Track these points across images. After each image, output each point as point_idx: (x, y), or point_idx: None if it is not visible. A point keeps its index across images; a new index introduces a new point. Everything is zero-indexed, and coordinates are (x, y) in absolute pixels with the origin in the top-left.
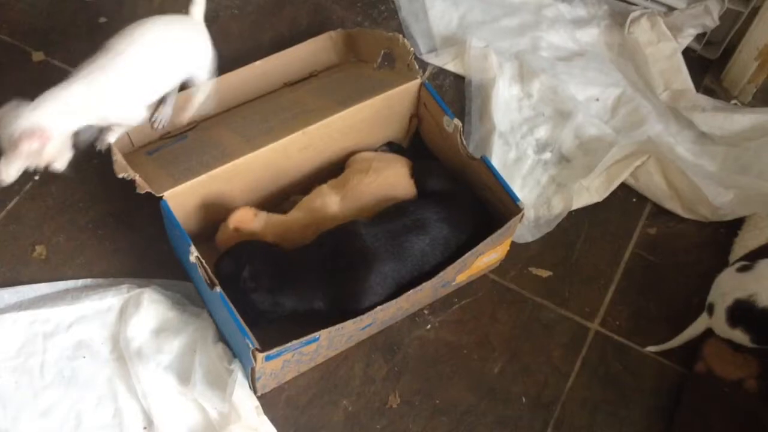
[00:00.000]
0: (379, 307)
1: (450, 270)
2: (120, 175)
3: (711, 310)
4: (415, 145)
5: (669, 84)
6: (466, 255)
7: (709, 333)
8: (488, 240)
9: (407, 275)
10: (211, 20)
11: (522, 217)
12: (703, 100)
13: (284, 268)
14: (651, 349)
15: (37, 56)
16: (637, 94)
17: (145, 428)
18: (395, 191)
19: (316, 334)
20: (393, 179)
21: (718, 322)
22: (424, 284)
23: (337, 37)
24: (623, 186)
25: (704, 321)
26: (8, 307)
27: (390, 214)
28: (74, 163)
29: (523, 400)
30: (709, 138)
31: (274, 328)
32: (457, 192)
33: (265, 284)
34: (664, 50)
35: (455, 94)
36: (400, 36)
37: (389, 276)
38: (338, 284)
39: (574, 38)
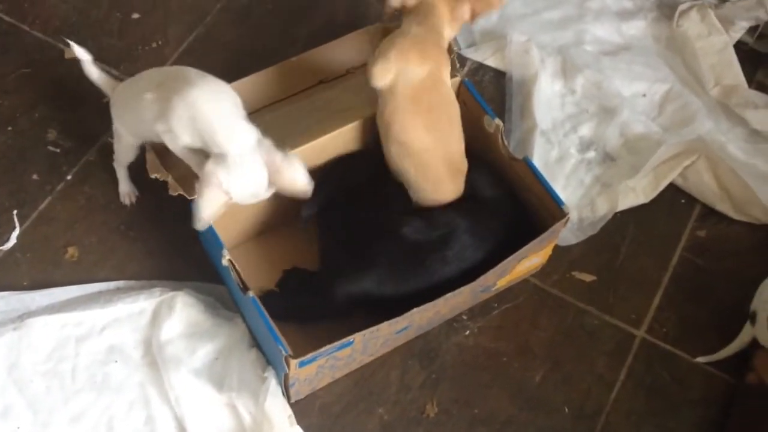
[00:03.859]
0: (415, 309)
1: (490, 275)
2: (152, 176)
3: (753, 318)
4: None
5: (720, 79)
6: (508, 259)
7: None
8: (530, 245)
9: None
10: (245, 15)
11: (566, 221)
12: (756, 96)
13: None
14: (701, 359)
15: (70, 53)
16: (686, 90)
17: None
18: None
19: (350, 338)
20: None
21: (761, 331)
22: (462, 288)
23: (374, 32)
24: (671, 186)
25: (750, 330)
26: (40, 309)
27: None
28: (106, 164)
29: (566, 410)
30: (762, 136)
31: (306, 333)
32: (496, 198)
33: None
34: (714, 44)
35: (495, 90)
36: None
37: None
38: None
39: (619, 31)
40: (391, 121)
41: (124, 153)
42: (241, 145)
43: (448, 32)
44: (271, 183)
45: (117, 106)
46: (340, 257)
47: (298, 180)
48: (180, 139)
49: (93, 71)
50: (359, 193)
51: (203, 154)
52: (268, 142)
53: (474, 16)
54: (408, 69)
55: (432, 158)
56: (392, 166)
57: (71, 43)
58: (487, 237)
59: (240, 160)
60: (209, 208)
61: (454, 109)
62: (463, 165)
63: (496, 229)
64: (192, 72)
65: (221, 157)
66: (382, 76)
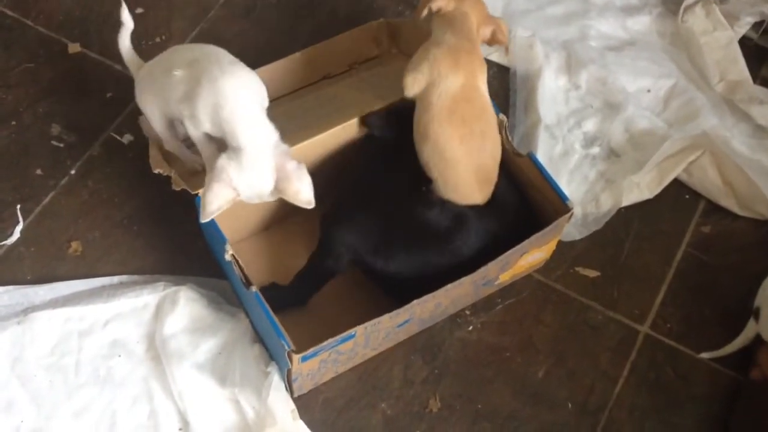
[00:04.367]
0: (415, 301)
1: (492, 267)
2: (155, 171)
3: (757, 314)
4: None
5: (724, 75)
6: (509, 252)
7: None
8: (532, 238)
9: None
10: (249, 10)
11: (570, 217)
12: (761, 91)
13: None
14: (705, 355)
15: (74, 48)
16: (690, 86)
17: (180, 429)
18: None
19: (351, 331)
20: None
21: (765, 327)
22: (462, 279)
23: (379, 27)
24: (676, 182)
25: (754, 326)
26: (43, 304)
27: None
28: (110, 159)
29: (569, 405)
30: (767, 132)
31: (309, 328)
32: (508, 201)
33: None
34: (719, 39)
35: (499, 85)
36: None
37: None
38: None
39: (624, 27)
40: (427, 132)
41: (157, 127)
42: (258, 143)
43: (478, 40)
44: (276, 189)
45: (143, 83)
46: (350, 205)
47: (302, 193)
48: (202, 125)
49: (126, 43)
50: (400, 154)
51: (218, 145)
52: (285, 147)
53: (494, 41)
54: (442, 79)
55: (463, 169)
56: (423, 166)
57: (123, 5)
58: (492, 236)
59: (254, 159)
60: (215, 202)
61: (490, 120)
62: (494, 175)
63: (503, 230)
64: (226, 57)
65: (235, 153)
66: (413, 86)
